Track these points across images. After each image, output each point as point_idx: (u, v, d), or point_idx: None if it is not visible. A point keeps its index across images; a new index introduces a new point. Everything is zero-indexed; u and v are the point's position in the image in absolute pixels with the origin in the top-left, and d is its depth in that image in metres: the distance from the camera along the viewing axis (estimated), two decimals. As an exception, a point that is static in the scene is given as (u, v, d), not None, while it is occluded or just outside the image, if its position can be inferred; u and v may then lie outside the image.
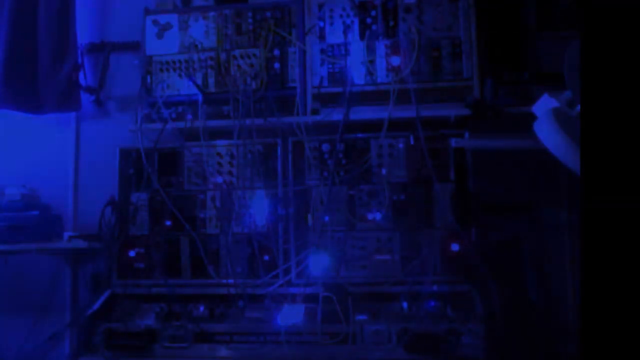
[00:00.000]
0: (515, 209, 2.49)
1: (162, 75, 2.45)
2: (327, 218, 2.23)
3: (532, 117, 1.77)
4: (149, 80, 2.45)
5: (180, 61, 2.44)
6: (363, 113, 2.28)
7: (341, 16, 2.35)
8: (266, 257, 2.25)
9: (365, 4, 2.33)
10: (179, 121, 2.39)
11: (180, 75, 2.43)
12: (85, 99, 2.85)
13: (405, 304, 2.07)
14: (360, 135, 2.28)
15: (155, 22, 2.48)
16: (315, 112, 2.31)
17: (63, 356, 2.72)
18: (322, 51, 2.34)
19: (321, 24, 2.36)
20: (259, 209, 2.27)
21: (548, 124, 1.63)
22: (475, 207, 2.18)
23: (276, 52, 2.39)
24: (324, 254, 2.20)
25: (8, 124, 2.92)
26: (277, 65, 2.38)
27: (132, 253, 2.35)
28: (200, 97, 2.37)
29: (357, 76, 2.29)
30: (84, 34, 2.88)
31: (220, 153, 2.37)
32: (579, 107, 1.65)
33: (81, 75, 2.84)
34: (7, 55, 2.73)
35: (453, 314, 2.01)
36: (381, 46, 2.31)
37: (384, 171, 2.25)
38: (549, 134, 1.62)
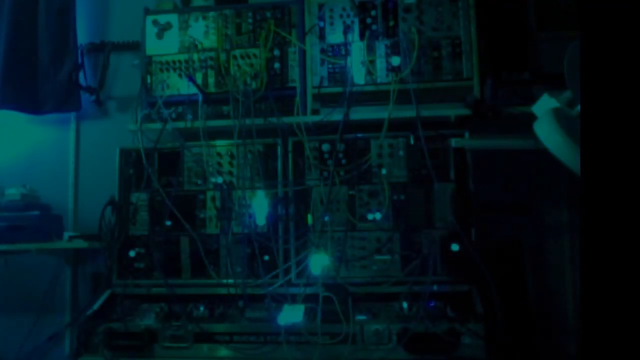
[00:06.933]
0: (515, 209, 2.49)
1: (162, 75, 2.45)
2: (327, 218, 2.24)
3: (532, 117, 1.77)
4: (149, 80, 2.45)
5: (180, 61, 2.44)
6: (363, 113, 2.28)
7: (341, 16, 2.35)
8: (266, 257, 2.25)
9: (365, 4, 2.33)
10: (179, 121, 2.39)
11: (180, 75, 2.43)
12: (85, 99, 2.85)
13: (405, 304, 2.06)
14: (360, 135, 2.28)
15: (155, 22, 2.48)
16: (315, 112, 2.31)
17: (63, 356, 2.72)
18: (322, 51, 2.34)
19: (321, 24, 2.36)
20: (259, 209, 2.27)
21: (548, 124, 1.63)
22: (475, 207, 2.18)
23: (276, 52, 2.38)
24: (324, 254, 2.20)
25: (8, 124, 2.92)
26: (277, 65, 2.38)
27: (132, 253, 2.35)
28: (200, 97, 2.37)
29: (357, 76, 2.29)
30: (84, 34, 2.89)
31: (220, 153, 2.37)
32: (579, 107, 1.65)
33: (81, 75, 2.85)
34: (7, 55, 2.74)
35: (453, 314, 2.01)
36: (381, 46, 2.31)
37: (384, 171, 2.25)
38: (549, 134, 1.62)
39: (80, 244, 2.50)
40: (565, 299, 2.51)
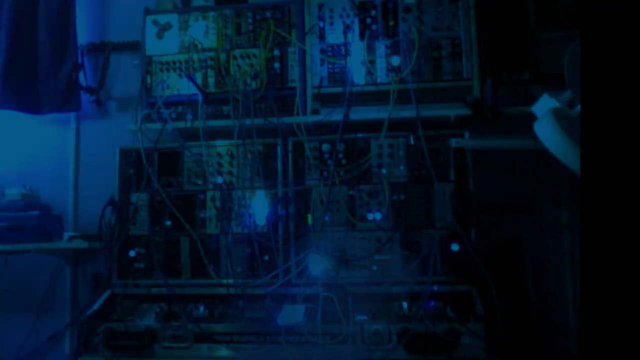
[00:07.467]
0: (515, 209, 2.49)
1: (162, 75, 2.45)
2: (327, 218, 2.24)
3: (532, 117, 1.77)
4: (149, 80, 2.45)
5: (180, 61, 2.44)
6: (363, 113, 2.28)
7: (341, 16, 2.35)
8: (266, 257, 2.25)
9: (365, 4, 2.33)
10: (179, 121, 2.39)
11: (180, 75, 2.43)
12: (85, 99, 2.85)
13: (405, 304, 2.06)
14: (360, 135, 2.28)
15: (155, 22, 2.48)
16: (315, 112, 2.31)
17: (63, 356, 2.72)
18: (322, 51, 2.34)
19: (321, 24, 2.36)
20: (259, 209, 2.27)
21: (548, 124, 1.63)
22: (475, 207, 2.18)
23: (276, 52, 2.38)
24: (324, 254, 2.20)
25: (8, 124, 2.92)
26: (277, 65, 2.38)
27: (132, 253, 2.35)
28: (200, 97, 2.37)
29: (357, 76, 2.29)
30: (84, 34, 2.89)
31: (220, 153, 2.37)
32: (579, 107, 1.65)
33: (81, 75, 2.85)
34: (7, 55, 2.74)
35: (453, 314, 2.01)
36: (381, 46, 2.31)
37: (384, 171, 2.25)
38: (549, 134, 1.62)
39: (80, 244, 2.50)
40: (565, 298, 2.51)
